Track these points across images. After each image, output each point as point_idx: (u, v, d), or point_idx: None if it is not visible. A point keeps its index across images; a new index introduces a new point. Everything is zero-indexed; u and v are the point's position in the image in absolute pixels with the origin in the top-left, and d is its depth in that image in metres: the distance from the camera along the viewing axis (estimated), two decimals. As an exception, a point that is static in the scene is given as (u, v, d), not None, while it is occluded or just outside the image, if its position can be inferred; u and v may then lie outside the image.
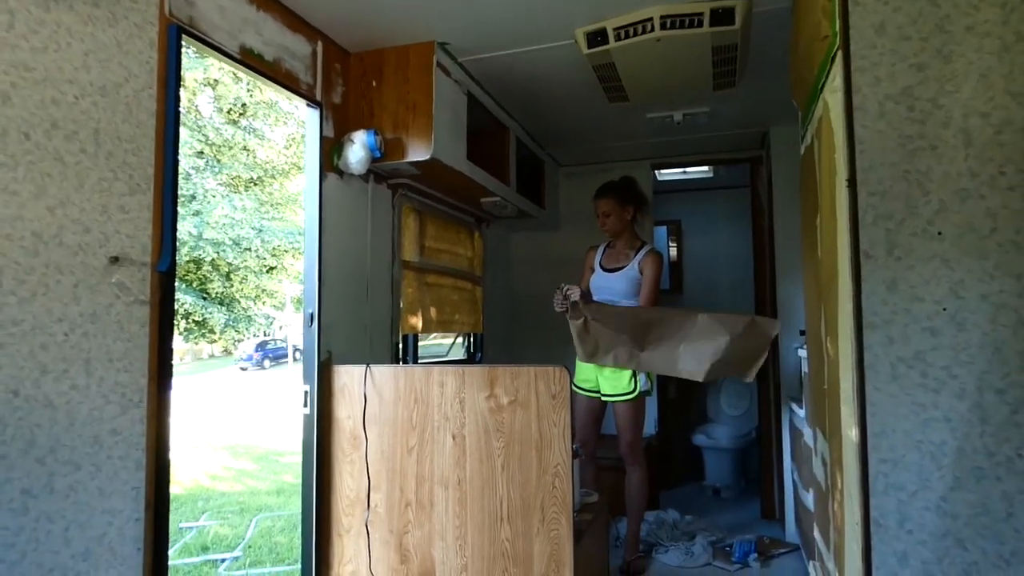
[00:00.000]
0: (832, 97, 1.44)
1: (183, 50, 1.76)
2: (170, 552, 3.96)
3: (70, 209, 1.39)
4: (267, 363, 21.17)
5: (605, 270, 3.00)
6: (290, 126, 13.47)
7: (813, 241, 1.84)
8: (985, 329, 1.21)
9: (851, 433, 1.36)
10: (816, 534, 2.16)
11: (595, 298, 2.96)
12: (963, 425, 1.22)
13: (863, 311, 1.29)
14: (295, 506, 5.02)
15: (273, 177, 13.45)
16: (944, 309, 1.24)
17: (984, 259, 1.22)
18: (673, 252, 5.45)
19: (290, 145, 13.62)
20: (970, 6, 1.22)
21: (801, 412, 2.82)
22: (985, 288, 1.22)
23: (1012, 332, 1.20)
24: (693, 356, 2.55)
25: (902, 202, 1.27)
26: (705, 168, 4.61)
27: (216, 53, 1.89)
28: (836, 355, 1.53)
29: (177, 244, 1.65)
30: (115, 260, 1.47)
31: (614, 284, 2.93)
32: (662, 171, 4.45)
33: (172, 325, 1.63)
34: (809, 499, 2.52)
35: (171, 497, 1.64)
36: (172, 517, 4.66)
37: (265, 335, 20.55)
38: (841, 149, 1.36)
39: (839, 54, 1.34)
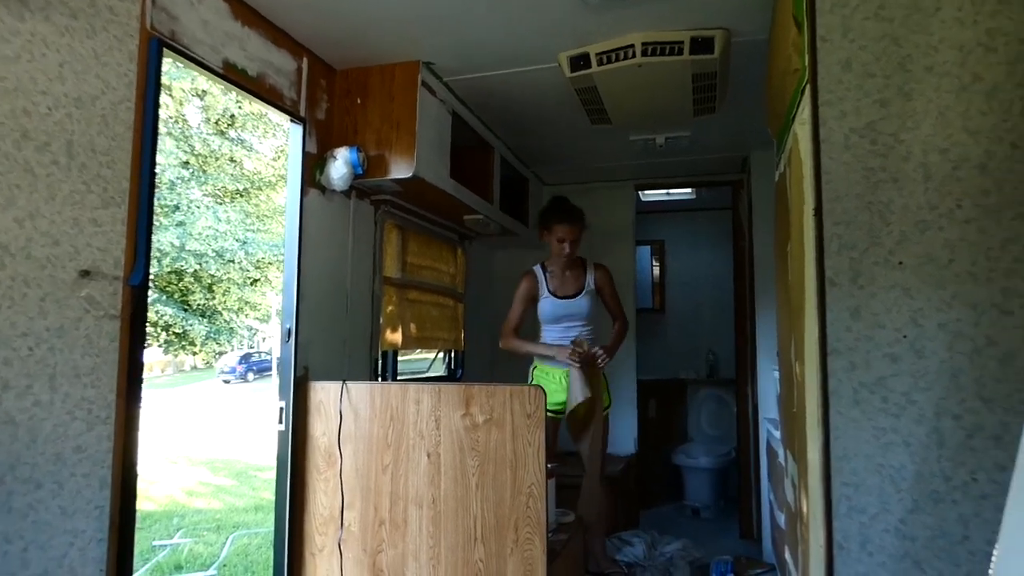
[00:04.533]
0: (801, 129, 1.47)
1: (168, 62, 1.77)
2: (141, 571, 3.90)
3: (39, 221, 1.38)
4: (251, 376, 20.94)
5: (562, 297, 3.01)
6: (279, 138, 13.47)
7: (784, 267, 1.87)
8: (943, 356, 1.24)
9: (815, 456, 1.38)
10: (787, 555, 2.17)
11: (559, 324, 3.00)
12: (921, 449, 1.24)
13: (828, 337, 1.32)
14: (273, 523, 4.95)
15: (260, 189, 13.41)
16: (904, 336, 1.27)
17: (942, 288, 1.25)
18: (656, 272, 5.50)
19: (278, 157, 13.61)
20: (930, 47, 1.27)
21: (777, 433, 2.84)
22: (943, 317, 1.25)
23: (968, 360, 1.23)
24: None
25: (865, 232, 1.30)
26: (688, 190, 4.67)
27: (198, 67, 1.90)
28: (803, 380, 1.55)
29: (156, 256, 1.65)
30: (85, 274, 1.46)
31: (580, 308, 2.98)
32: (645, 192, 4.50)
33: (143, 340, 1.61)
34: (782, 520, 2.53)
35: (145, 514, 1.62)
36: (146, 535, 4.58)
37: (250, 347, 20.36)
38: (809, 179, 1.39)
39: (808, 88, 1.38)
